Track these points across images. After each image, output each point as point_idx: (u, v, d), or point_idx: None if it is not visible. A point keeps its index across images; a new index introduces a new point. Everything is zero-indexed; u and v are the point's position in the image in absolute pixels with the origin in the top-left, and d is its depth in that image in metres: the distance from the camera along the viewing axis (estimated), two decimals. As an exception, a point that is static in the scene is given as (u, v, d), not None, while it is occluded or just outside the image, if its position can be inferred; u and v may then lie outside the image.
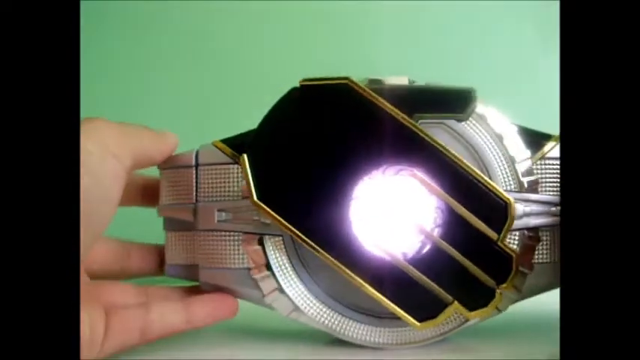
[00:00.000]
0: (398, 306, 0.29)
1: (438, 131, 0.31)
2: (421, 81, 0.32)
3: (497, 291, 0.29)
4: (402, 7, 0.58)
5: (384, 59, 0.56)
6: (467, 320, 0.30)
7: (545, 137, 0.32)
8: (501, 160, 0.31)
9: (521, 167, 0.31)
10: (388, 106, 0.30)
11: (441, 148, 0.30)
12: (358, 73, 0.31)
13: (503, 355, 0.30)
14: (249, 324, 0.36)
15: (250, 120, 0.31)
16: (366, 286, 0.29)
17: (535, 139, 0.32)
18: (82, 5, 0.26)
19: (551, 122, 0.31)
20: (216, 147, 0.32)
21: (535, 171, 0.31)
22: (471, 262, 0.29)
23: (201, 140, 0.33)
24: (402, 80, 0.31)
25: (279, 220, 0.30)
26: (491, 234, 0.29)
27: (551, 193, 0.31)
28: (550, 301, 0.31)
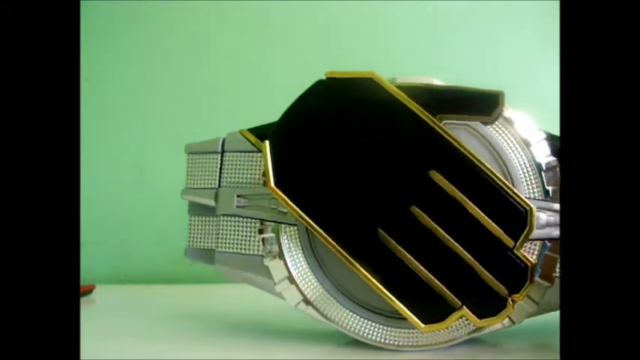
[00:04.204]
0: (405, 305, 0.29)
1: (461, 133, 0.30)
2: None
3: (509, 301, 0.28)
4: (401, 9, 0.58)
5: (382, 60, 0.55)
6: (478, 329, 0.29)
7: (575, 146, 0.30)
8: (526, 167, 0.30)
9: (548, 175, 0.30)
10: (412, 103, 0.29)
11: (461, 149, 0.29)
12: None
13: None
14: (255, 322, 0.36)
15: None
16: (375, 282, 0.29)
17: (564, 147, 0.30)
18: (83, 5, 0.27)
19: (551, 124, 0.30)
20: (243, 135, 0.33)
21: (563, 180, 0.30)
22: (483, 268, 0.28)
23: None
24: (428, 80, 0.31)
25: (292, 208, 0.30)
26: (508, 241, 0.28)
27: (579, 205, 0.30)
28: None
